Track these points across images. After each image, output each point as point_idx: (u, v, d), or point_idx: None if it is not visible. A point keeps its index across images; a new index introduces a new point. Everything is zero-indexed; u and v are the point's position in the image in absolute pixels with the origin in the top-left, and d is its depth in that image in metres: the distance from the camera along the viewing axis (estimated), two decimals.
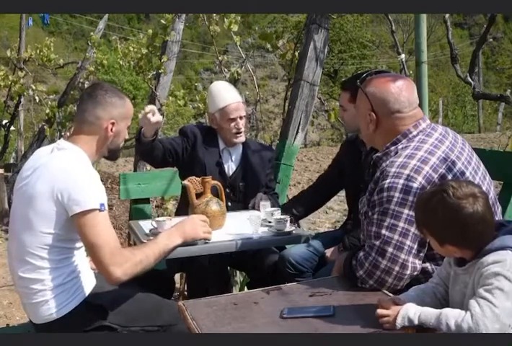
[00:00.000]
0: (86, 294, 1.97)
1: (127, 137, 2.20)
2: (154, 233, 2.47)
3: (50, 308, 1.92)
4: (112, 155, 2.17)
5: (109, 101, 2.07)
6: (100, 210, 1.88)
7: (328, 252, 2.61)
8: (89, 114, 2.05)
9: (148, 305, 2.05)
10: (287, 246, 2.76)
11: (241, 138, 2.96)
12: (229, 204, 2.88)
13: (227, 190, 2.91)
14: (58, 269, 1.93)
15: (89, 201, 1.86)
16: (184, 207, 2.71)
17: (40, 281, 1.92)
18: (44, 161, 1.99)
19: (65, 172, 1.91)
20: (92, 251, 1.87)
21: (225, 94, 2.94)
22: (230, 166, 2.99)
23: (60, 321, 1.93)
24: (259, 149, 3.10)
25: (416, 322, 1.44)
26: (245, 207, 2.88)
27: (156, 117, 2.69)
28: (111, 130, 2.07)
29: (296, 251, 2.61)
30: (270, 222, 2.59)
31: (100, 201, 1.89)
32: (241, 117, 2.92)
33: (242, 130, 2.94)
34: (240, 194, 2.99)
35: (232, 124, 2.90)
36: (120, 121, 2.10)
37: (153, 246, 1.97)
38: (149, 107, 2.71)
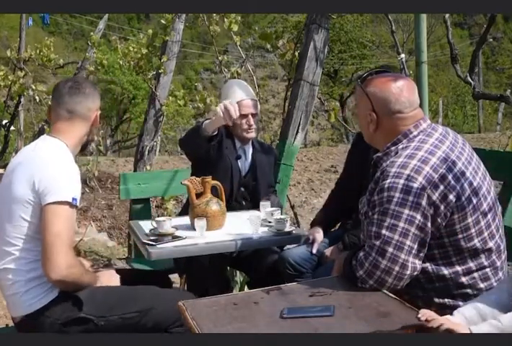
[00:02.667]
0: None
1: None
2: (154, 233, 2.48)
3: (27, 300, 1.93)
4: (85, 147, 2.18)
5: (95, 93, 2.12)
6: (71, 204, 1.89)
7: (327, 251, 2.58)
8: (81, 107, 2.06)
9: (123, 294, 2.06)
10: (287, 247, 2.76)
11: (252, 134, 2.96)
12: (244, 203, 2.92)
13: (241, 189, 2.93)
14: (37, 262, 1.92)
15: (63, 193, 1.88)
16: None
17: (18, 272, 1.92)
18: (27, 155, 2.02)
19: (44, 162, 1.94)
20: (46, 238, 1.86)
21: (239, 91, 2.94)
22: (244, 165, 3.00)
23: (36, 313, 1.93)
24: (265, 149, 3.12)
25: None
26: (257, 207, 2.86)
27: (237, 113, 2.68)
28: (95, 119, 2.12)
29: (295, 252, 2.60)
30: (270, 222, 2.59)
31: (73, 195, 1.90)
32: (253, 115, 2.92)
33: (254, 127, 2.94)
34: (252, 194, 3.00)
35: (244, 120, 2.90)
36: (97, 111, 2.15)
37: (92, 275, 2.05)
38: (228, 105, 2.65)
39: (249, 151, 3.03)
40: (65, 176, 1.92)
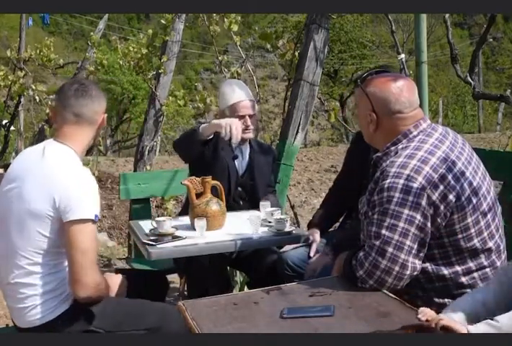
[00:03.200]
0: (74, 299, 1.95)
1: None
2: (154, 233, 2.48)
3: (38, 313, 1.89)
4: (92, 148, 2.17)
5: (101, 95, 2.08)
6: (93, 221, 1.88)
7: (312, 264, 2.42)
8: (88, 110, 2.01)
9: (132, 309, 2.04)
10: (286, 247, 2.75)
11: (249, 134, 2.96)
12: (241, 203, 2.92)
13: (239, 189, 2.93)
14: (51, 275, 1.90)
15: (85, 211, 1.85)
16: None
17: (31, 286, 1.89)
18: (36, 163, 1.95)
19: (63, 177, 1.88)
20: (72, 255, 1.84)
21: (236, 91, 2.94)
22: (241, 165, 3.01)
23: (46, 325, 1.91)
24: (263, 149, 3.12)
25: None
26: (254, 206, 2.87)
27: (239, 137, 2.70)
28: (102, 120, 2.08)
29: (294, 253, 2.59)
30: (270, 222, 2.59)
31: (95, 212, 1.88)
32: (250, 116, 2.92)
33: (251, 127, 2.94)
34: (250, 194, 3.00)
35: (241, 121, 2.88)
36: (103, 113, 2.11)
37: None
38: (234, 128, 2.67)
39: (247, 150, 3.03)
40: (86, 192, 1.89)
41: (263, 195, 2.95)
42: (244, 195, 2.99)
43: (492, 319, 1.43)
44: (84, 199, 1.87)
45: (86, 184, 1.90)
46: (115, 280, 2.16)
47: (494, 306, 1.55)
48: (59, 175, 1.89)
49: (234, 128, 2.64)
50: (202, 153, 2.81)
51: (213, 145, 2.86)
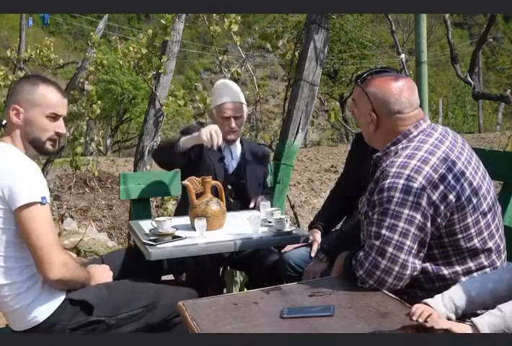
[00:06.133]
0: (65, 291, 1.94)
1: (62, 131, 2.04)
2: (154, 233, 2.47)
3: (32, 312, 1.88)
4: (38, 148, 2.02)
5: (17, 88, 2.00)
6: (41, 203, 1.84)
7: (309, 269, 2.42)
8: (7, 106, 1.99)
9: (125, 292, 2.06)
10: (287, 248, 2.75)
11: (233, 136, 2.99)
12: (231, 200, 2.92)
13: (229, 187, 2.94)
14: (29, 268, 1.88)
15: (29, 194, 1.83)
16: (184, 207, 2.72)
17: (13, 285, 1.87)
18: None
19: (1, 168, 1.86)
20: (29, 241, 1.82)
21: (225, 92, 2.98)
22: (231, 164, 3.03)
23: (46, 323, 1.90)
24: (256, 149, 3.17)
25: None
26: (245, 204, 2.89)
27: (219, 142, 2.70)
28: (15, 116, 1.96)
29: (295, 254, 2.59)
30: (270, 222, 2.59)
31: (41, 194, 1.85)
32: (235, 117, 2.95)
33: (236, 129, 2.97)
34: (240, 192, 3.01)
35: (226, 122, 2.95)
36: (29, 108, 1.97)
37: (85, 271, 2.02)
38: (214, 133, 2.66)
39: (236, 150, 3.06)
40: (26, 177, 1.85)
41: (254, 194, 2.97)
42: (233, 193, 3.00)
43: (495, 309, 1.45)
44: (25, 183, 1.84)
45: (24, 169, 1.87)
46: (99, 268, 2.17)
47: (505, 296, 1.56)
48: None
49: (213, 133, 2.65)
50: (189, 157, 2.85)
51: (198, 149, 2.89)
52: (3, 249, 1.86)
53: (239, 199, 3.00)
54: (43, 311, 1.89)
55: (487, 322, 1.45)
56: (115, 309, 1.99)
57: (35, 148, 2.01)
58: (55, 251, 1.84)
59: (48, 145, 2.02)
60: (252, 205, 2.89)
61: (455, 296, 1.61)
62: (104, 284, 2.09)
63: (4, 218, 1.85)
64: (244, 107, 3.02)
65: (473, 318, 1.47)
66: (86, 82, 7.21)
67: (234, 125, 2.95)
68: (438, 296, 1.62)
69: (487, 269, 1.80)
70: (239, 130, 3.02)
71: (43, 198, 1.85)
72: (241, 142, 3.09)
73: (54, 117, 2.00)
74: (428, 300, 1.60)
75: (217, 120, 2.98)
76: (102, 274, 2.14)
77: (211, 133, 2.65)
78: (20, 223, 1.83)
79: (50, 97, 1.99)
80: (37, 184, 1.86)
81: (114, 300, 2.00)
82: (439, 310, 1.56)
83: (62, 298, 1.93)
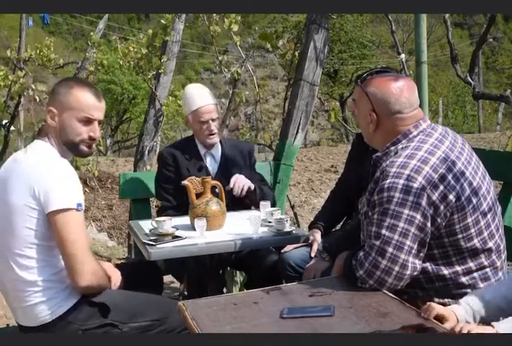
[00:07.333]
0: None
1: (96, 135, 2.04)
2: (154, 233, 2.47)
3: (48, 308, 1.89)
4: (73, 150, 2.03)
5: (54, 90, 2.03)
6: (77, 210, 1.86)
7: (309, 269, 2.39)
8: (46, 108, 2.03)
9: (141, 302, 2.06)
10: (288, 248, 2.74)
11: (215, 139, 3.00)
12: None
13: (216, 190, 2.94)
14: (49, 268, 1.90)
15: (65, 200, 1.84)
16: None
17: (31, 282, 1.88)
18: (18, 160, 1.97)
19: (40, 169, 1.88)
20: (63, 247, 1.84)
21: (196, 97, 2.97)
22: (214, 168, 3.03)
23: (58, 320, 1.90)
24: (236, 145, 3.16)
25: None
26: (233, 204, 2.85)
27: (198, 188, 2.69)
28: (51, 118, 1.99)
29: (295, 254, 2.59)
30: (270, 222, 2.59)
31: (77, 201, 1.87)
32: (213, 120, 2.95)
33: (215, 131, 2.97)
34: (226, 192, 3.00)
35: (204, 126, 2.94)
36: (62, 111, 1.99)
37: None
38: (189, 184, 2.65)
39: (217, 152, 3.06)
40: (65, 182, 1.87)
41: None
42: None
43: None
44: (63, 189, 1.85)
45: (63, 174, 1.89)
46: (115, 274, 2.15)
47: None
48: (35, 166, 1.90)
49: (189, 184, 2.62)
50: (177, 182, 2.83)
51: (175, 167, 2.93)
52: (28, 250, 1.88)
53: (227, 199, 2.98)
54: (59, 307, 1.90)
55: (509, 327, 1.45)
56: (130, 317, 1.99)
57: (70, 149, 2.03)
58: (87, 260, 1.87)
59: (83, 147, 2.04)
60: (231, 185, 2.85)
61: (468, 299, 1.63)
62: (123, 291, 2.09)
63: (38, 219, 1.87)
64: (218, 107, 3.04)
65: (493, 323, 1.47)
66: None
67: (213, 127, 2.95)
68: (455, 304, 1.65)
69: (487, 269, 1.80)
70: (218, 132, 3.02)
71: (79, 205, 1.87)
72: (220, 142, 3.08)
73: (87, 120, 2.01)
74: (451, 306, 1.62)
75: (194, 126, 2.98)
76: (117, 279, 2.14)
77: (188, 184, 2.62)
78: (54, 227, 1.85)
79: (84, 101, 2.00)
80: (74, 189, 1.89)
81: (130, 308, 2.01)
82: (458, 313, 1.57)
83: (77, 298, 1.94)
